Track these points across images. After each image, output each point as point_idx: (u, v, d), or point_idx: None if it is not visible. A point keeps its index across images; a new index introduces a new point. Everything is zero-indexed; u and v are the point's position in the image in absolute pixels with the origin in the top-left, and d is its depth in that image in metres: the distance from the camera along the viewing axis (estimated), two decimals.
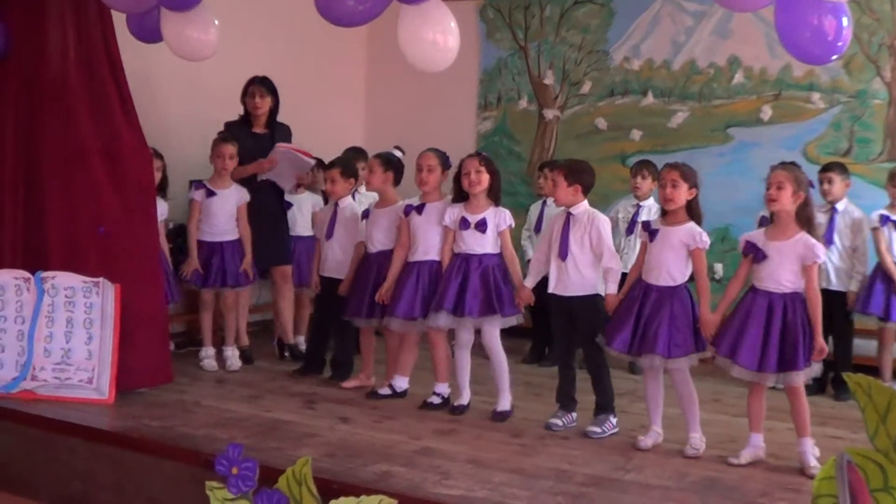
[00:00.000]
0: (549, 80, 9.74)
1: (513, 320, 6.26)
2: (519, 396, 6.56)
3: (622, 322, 5.65)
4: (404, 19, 5.34)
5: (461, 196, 6.39)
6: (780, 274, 5.29)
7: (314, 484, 4.40)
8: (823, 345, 5.22)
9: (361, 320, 6.82)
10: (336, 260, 7.18)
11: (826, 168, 7.28)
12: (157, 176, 6.99)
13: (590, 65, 9.54)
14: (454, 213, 6.36)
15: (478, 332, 6.37)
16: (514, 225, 6.42)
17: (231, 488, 4.55)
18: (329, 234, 7.21)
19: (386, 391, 6.68)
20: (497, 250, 6.30)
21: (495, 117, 10.08)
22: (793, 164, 5.53)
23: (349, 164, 7.36)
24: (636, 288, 5.71)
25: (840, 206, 7.19)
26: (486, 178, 6.28)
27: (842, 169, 7.28)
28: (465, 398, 6.41)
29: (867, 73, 8.26)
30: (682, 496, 4.79)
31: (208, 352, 7.56)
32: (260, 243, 7.57)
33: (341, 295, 7.01)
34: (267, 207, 7.78)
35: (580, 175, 6.03)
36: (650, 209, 7.65)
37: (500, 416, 6.19)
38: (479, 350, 6.39)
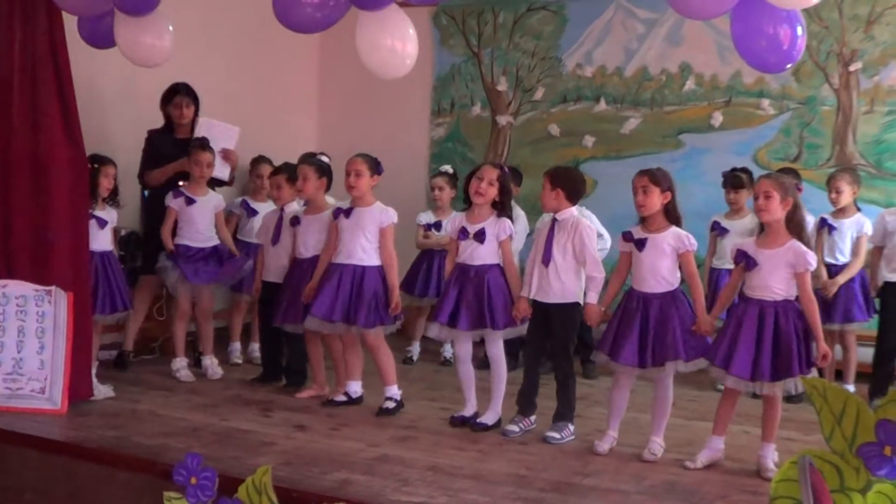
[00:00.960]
0: (502, 86, 9.77)
1: (521, 330, 6.17)
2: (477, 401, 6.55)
3: (625, 336, 5.58)
4: (362, 26, 5.34)
5: (468, 201, 6.31)
6: (771, 282, 5.29)
7: (274, 493, 4.38)
8: (827, 350, 5.25)
9: (298, 326, 6.77)
10: (281, 265, 7.15)
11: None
12: (111, 183, 6.92)
13: (543, 71, 9.58)
14: (456, 222, 6.31)
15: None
16: (515, 235, 6.37)
17: (190, 498, 4.51)
18: (275, 240, 7.19)
19: (341, 398, 6.66)
20: (497, 261, 6.20)
21: (449, 123, 10.09)
22: (788, 170, 5.54)
23: (295, 170, 7.33)
24: (632, 300, 5.66)
25: None
26: (493, 192, 6.14)
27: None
28: (470, 410, 6.29)
29: (816, 80, 8.37)
30: (641, 499, 4.82)
31: (183, 362, 7.46)
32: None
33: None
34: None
35: (563, 180, 6.00)
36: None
37: (480, 427, 6.12)
38: (435, 357, 6.38)
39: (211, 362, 7.54)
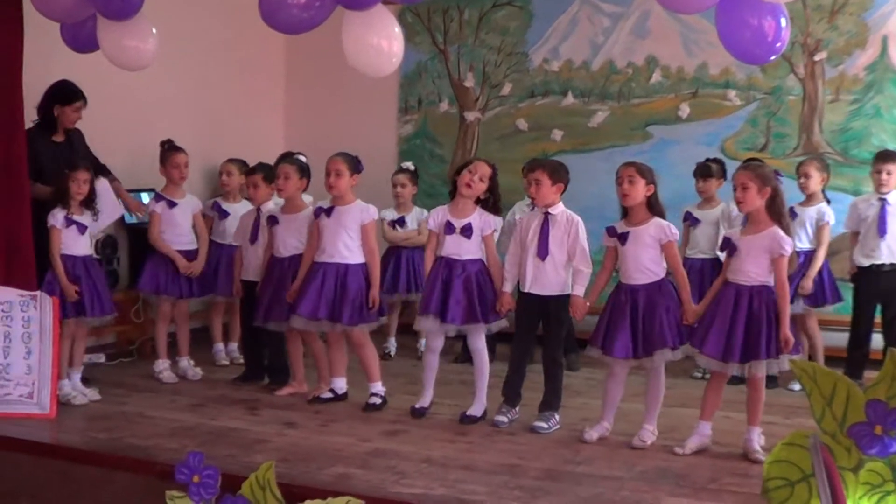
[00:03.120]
0: (469, 82, 9.83)
1: (502, 323, 6.30)
2: (458, 395, 6.66)
3: (616, 329, 5.69)
4: (348, 25, 5.39)
5: (455, 193, 6.37)
6: (747, 266, 5.42)
7: (278, 489, 4.44)
8: (789, 335, 5.35)
9: (281, 324, 6.82)
10: (260, 264, 7.18)
11: (885, 159, 7.24)
12: (82, 188, 6.88)
13: (510, 67, 9.65)
14: (439, 216, 6.36)
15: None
16: (499, 229, 6.42)
17: (193, 496, 4.55)
18: (253, 239, 7.22)
19: (327, 395, 6.71)
20: (481, 255, 6.30)
21: (416, 120, 10.13)
22: (754, 160, 5.65)
23: (271, 169, 7.33)
24: (620, 293, 5.77)
25: (892, 197, 7.24)
26: (482, 189, 6.24)
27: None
28: (426, 401, 6.39)
29: (781, 70, 8.49)
30: (634, 485, 4.92)
31: (165, 364, 7.47)
32: None
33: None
34: None
35: (562, 175, 6.10)
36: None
37: (469, 420, 6.19)
38: (412, 352, 6.41)
39: (188, 363, 7.56)
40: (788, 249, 5.41)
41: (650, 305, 5.65)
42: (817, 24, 8.39)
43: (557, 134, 9.42)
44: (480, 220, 6.26)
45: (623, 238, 5.75)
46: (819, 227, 7.30)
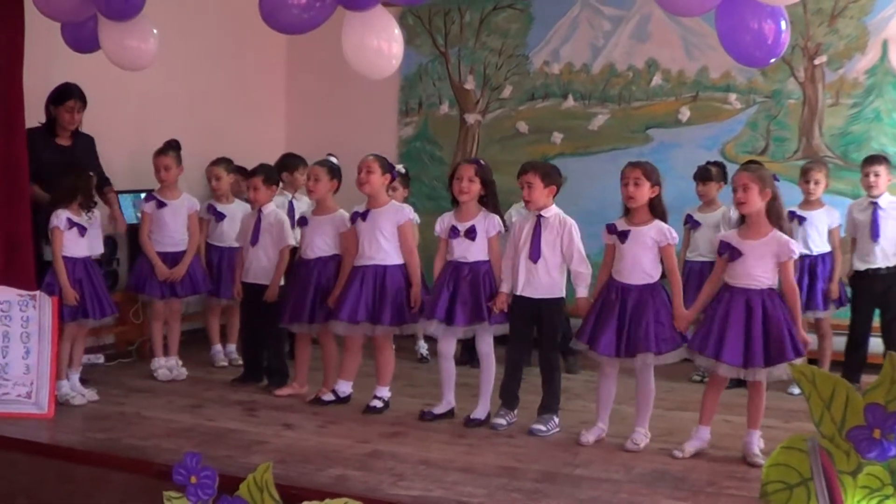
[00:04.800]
0: (469, 84, 9.83)
1: (505, 327, 6.27)
2: (459, 397, 6.57)
3: (603, 325, 5.70)
4: (348, 27, 5.40)
5: (455, 202, 6.39)
6: (756, 271, 5.40)
7: (276, 490, 4.44)
8: (807, 337, 5.40)
9: (303, 326, 6.82)
10: (261, 266, 7.19)
11: (871, 161, 7.31)
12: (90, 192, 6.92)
13: (510, 69, 9.65)
14: (445, 221, 6.37)
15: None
16: (504, 231, 6.40)
17: (190, 497, 4.55)
18: (254, 241, 7.22)
19: (329, 397, 6.69)
20: (488, 257, 6.29)
21: (416, 123, 10.12)
22: (754, 162, 5.65)
23: (271, 171, 7.38)
24: (611, 290, 5.78)
25: (883, 200, 7.27)
26: (477, 188, 6.25)
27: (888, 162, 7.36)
28: (444, 407, 6.38)
29: (782, 73, 8.49)
30: (632, 488, 4.92)
31: (160, 362, 7.51)
32: None
33: (269, 301, 7.06)
34: None
35: (554, 177, 6.10)
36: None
37: (473, 423, 6.19)
38: (411, 354, 6.41)
39: (176, 363, 7.57)
40: (797, 252, 5.46)
41: (639, 307, 5.65)
42: (818, 27, 8.38)
43: (558, 137, 9.41)
44: (485, 221, 6.28)
45: (623, 236, 5.75)
46: (830, 231, 7.36)
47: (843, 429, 4.04)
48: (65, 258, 6.57)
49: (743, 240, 5.48)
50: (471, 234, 6.23)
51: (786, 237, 5.41)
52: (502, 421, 6.11)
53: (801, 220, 7.30)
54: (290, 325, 6.88)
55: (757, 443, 5.44)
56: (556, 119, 9.45)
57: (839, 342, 7.46)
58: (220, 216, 8.01)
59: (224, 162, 8.11)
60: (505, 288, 6.18)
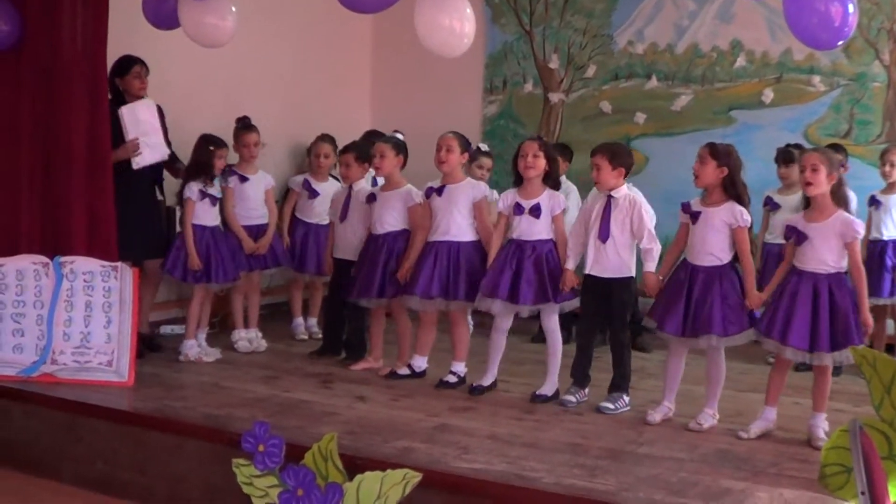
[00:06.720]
0: (554, 63, 9.84)
1: (574, 303, 6.31)
2: (531, 374, 6.69)
3: (672, 305, 5.70)
4: (421, 6, 5.45)
5: (519, 180, 6.41)
6: (823, 254, 5.37)
7: (339, 459, 4.54)
8: (870, 320, 5.35)
9: (372, 300, 6.90)
10: (349, 242, 7.26)
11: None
12: (223, 164, 7.29)
13: (594, 49, 9.63)
14: (508, 198, 6.39)
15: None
16: (568, 209, 6.43)
17: (258, 465, 4.68)
18: (343, 217, 7.29)
19: (405, 371, 6.78)
20: (551, 236, 6.32)
21: (501, 101, 10.16)
22: (835, 146, 5.59)
23: (364, 148, 7.41)
24: (682, 270, 5.78)
25: None
26: (542, 163, 6.26)
27: None
28: (489, 379, 6.47)
29: (867, 56, 8.37)
30: (694, 467, 4.94)
31: (241, 333, 7.69)
32: (135, 234, 7.11)
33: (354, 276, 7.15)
34: (140, 197, 7.34)
35: (623, 158, 6.10)
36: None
37: (541, 399, 6.24)
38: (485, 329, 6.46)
39: (256, 335, 7.74)
40: (862, 232, 5.41)
41: (706, 288, 5.63)
42: None
43: (640, 117, 9.39)
44: (550, 200, 6.29)
45: (695, 217, 5.74)
46: None
47: None
48: (194, 226, 7.06)
49: (808, 223, 5.44)
50: (535, 211, 6.25)
51: (850, 217, 5.38)
52: (572, 398, 6.15)
53: (878, 204, 7.22)
54: (359, 299, 6.96)
55: (822, 426, 5.41)
56: (639, 99, 9.43)
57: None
58: (315, 193, 8.17)
59: (330, 139, 8.28)
60: (570, 265, 6.21)
